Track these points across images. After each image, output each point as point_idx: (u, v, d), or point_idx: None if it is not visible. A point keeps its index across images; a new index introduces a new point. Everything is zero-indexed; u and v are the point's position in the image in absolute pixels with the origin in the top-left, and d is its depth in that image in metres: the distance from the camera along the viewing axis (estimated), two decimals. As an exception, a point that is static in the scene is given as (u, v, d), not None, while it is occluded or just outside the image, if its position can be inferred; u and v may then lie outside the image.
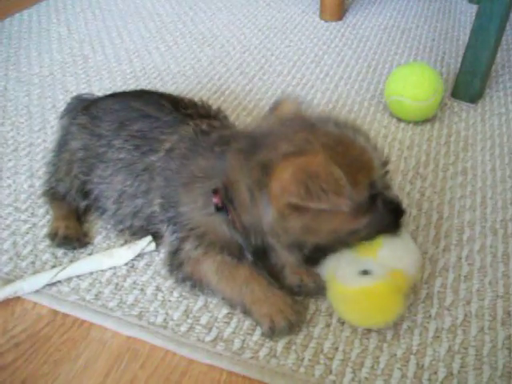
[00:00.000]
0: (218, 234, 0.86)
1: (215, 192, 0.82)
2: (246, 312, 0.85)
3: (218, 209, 0.82)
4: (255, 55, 1.70)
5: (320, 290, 0.87)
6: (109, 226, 1.01)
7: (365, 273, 0.81)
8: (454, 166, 1.23)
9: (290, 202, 0.74)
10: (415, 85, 1.30)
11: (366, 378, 0.78)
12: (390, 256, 0.82)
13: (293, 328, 0.82)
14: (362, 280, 0.80)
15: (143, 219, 0.94)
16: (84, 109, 1.06)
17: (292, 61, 1.67)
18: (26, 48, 1.71)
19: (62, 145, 1.05)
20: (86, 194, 1.01)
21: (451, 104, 1.46)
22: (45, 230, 1.01)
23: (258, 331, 0.84)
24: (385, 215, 0.81)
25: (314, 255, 0.84)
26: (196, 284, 0.88)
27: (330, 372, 0.78)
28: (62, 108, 1.33)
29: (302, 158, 0.74)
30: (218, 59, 1.67)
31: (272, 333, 0.81)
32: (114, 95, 1.12)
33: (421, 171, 1.20)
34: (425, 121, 1.37)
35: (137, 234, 0.97)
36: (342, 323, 0.86)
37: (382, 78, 1.57)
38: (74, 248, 0.97)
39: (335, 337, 0.83)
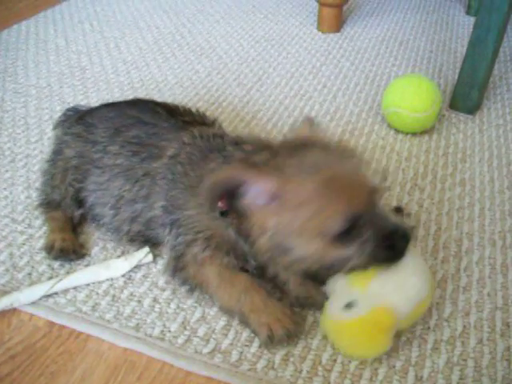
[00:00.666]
0: (224, 238, 0.85)
1: (221, 196, 0.80)
2: (244, 321, 0.84)
3: (222, 213, 0.80)
4: (253, 67, 1.70)
5: None
6: (106, 237, 1.01)
7: (349, 305, 0.77)
8: (452, 177, 1.23)
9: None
10: (413, 96, 1.30)
11: (364, 390, 0.77)
12: (379, 290, 0.77)
13: (291, 337, 0.82)
14: (342, 313, 0.77)
15: (142, 224, 0.94)
16: (79, 118, 1.06)
17: (290, 72, 1.68)
18: (23, 59, 1.71)
19: (56, 153, 1.05)
20: (81, 202, 1.01)
21: (449, 115, 1.47)
22: (41, 242, 1.00)
23: (256, 343, 0.83)
24: (377, 245, 0.77)
25: (313, 276, 0.83)
26: (196, 288, 0.88)
27: (329, 384, 0.78)
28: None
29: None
30: (216, 71, 1.67)
31: (270, 342, 0.81)
32: (108, 104, 1.12)
33: (419, 182, 1.20)
34: (423, 132, 1.37)
35: (134, 240, 0.97)
36: (341, 335, 0.85)
37: (380, 90, 1.57)
38: (71, 260, 0.96)
39: (334, 349, 0.83)
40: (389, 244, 0.77)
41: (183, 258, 0.87)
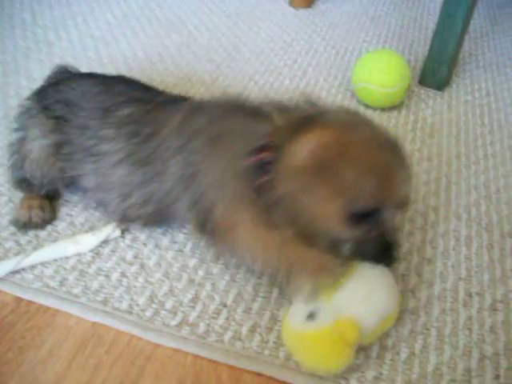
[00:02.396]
0: (247, 194, 0.79)
1: (260, 149, 0.75)
2: (285, 274, 0.78)
3: (253, 169, 0.76)
4: (223, 42, 1.69)
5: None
6: (73, 213, 1.00)
7: (311, 316, 0.74)
8: (420, 151, 1.24)
9: None
10: (382, 71, 1.30)
11: (330, 360, 0.79)
12: (344, 301, 0.74)
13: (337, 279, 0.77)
14: (303, 324, 0.74)
15: (155, 203, 0.88)
16: (55, 88, 0.98)
17: (260, 48, 1.67)
18: (-12, 34, 1.68)
19: (27, 131, 0.96)
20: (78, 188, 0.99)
21: (418, 91, 1.48)
22: (7, 219, 0.99)
23: (223, 314, 0.84)
24: (373, 245, 0.76)
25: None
26: (226, 249, 0.84)
27: (295, 354, 0.79)
28: (26, 94, 1.31)
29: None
30: (185, 46, 1.65)
31: (314, 294, 0.76)
32: (89, 75, 1.04)
33: (387, 157, 1.21)
34: (392, 107, 1.38)
35: (147, 222, 0.94)
36: (307, 306, 0.86)
37: (350, 66, 1.57)
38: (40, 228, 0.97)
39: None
40: (384, 250, 0.77)
41: (209, 204, 0.81)
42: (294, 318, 0.76)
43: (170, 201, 0.87)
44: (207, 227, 0.82)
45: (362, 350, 0.80)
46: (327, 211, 0.74)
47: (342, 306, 0.74)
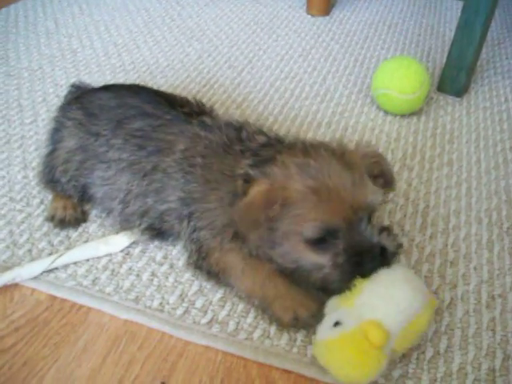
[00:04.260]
0: (241, 239, 0.87)
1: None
2: (266, 306, 0.85)
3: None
4: (243, 49, 1.72)
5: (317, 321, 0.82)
6: (103, 215, 1.03)
7: (337, 324, 0.75)
8: (440, 157, 1.26)
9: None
10: (402, 78, 1.33)
11: (357, 358, 0.80)
12: (366, 304, 0.75)
13: (315, 318, 0.82)
14: (329, 332, 0.75)
15: (154, 218, 0.94)
16: (77, 101, 1.05)
17: (280, 55, 1.69)
18: (13, 42, 1.71)
19: (56, 139, 1.04)
20: (89, 198, 1.03)
21: (437, 98, 1.50)
22: (40, 220, 1.03)
23: (252, 313, 0.86)
24: (346, 259, 0.79)
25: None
26: (218, 274, 0.89)
27: (323, 352, 0.81)
28: (53, 101, 1.36)
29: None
30: (207, 53, 1.69)
31: (296, 324, 0.83)
32: (107, 88, 1.11)
33: (407, 162, 1.23)
34: (411, 114, 1.40)
35: (146, 233, 0.96)
36: (334, 306, 0.88)
37: (369, 72, 1.60)
38: (72, 228, 1.02)
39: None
40: (357, 260, 0.79)
41: (205, 247, 0.89)
42: (322, 329, 0.77)
43: (166, 224, 0.94)
44: (203, 267, 0.90)
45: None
46: (290, 247, 0.81)
47: (363, 309, 0.75)
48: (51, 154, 1.04)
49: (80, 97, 1.07)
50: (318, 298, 0.84)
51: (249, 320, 0.86)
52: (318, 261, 0.80)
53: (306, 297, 0.84)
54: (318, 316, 0.81)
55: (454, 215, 1.09)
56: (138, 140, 0.95)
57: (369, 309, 0.75)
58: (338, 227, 0.78)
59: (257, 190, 0.79)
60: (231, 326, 0.84)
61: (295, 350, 0.81)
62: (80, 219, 1.03)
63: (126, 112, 0.99)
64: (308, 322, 0.83)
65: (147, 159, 0.93)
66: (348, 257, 0.78)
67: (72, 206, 1.03)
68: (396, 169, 1.21)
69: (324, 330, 0.76)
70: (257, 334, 0.84)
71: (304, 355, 0.81)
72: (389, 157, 1.24)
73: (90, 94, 1.08)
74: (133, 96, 1.02)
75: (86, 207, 1.06)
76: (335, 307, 0.78)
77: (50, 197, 1.07)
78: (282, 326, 0.84)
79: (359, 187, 0.79)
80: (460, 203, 1.12)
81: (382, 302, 0.75)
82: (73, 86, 1.16)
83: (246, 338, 0.83)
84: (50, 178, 1.04)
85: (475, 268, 0.97)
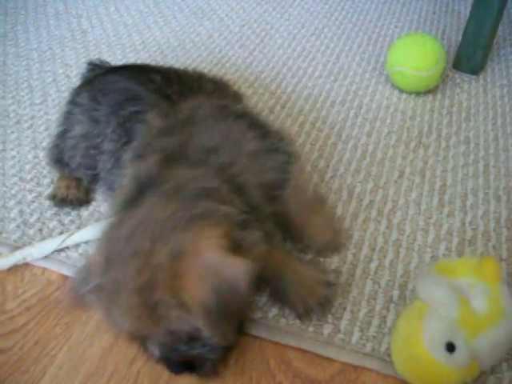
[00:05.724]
0: None
1: None
2: (280, 294, 0.82)
3: None
4: (255, 28, 1.69)
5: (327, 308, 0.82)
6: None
7: (450, 346, 0.69)
8: (457, 135, 1.23)
9: None
10: (417, 55, 1.30)
11: (373, 337, 0.79)
12: (483, 351, 0.69)
13: (328, 303, 0.81)
14: (444, 356, 0.69)
15: None
16: (87, 84, 1.03)
17: (292, 34, 1.67)
18: (23, 24, 1.70)
19: (66, 124, 1.00)
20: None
21: (453, 76, 1.46)
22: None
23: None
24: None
25: None
26: None
27: (339, 331, 0.80)
28: (63, 82, 1.35)
29: None
30: (218, 33, 1.66)
31: (307, 314, 0.81)
32: (116, 70, 1.05)
33: (423, 140, 1.21)
34: (426, 92, 1.37)
35: None
36: (350, 285, 0.87)
37: (383, 51, 1.57)
38: (74, 208, 1.00)
39: (343, 298, 0.85)
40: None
41: None
42: (432, 343, 0.69)
43: None
44: None
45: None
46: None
47: (479, 354, 0.69)
48: (61, 136, 1.01)
49: (91, 80, 1.04)
50: (330, 277, 0.84)
51: (264, 299, 0.84)
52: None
53: (317, 281, 0.82)
54: (327, 302, 0.81)
55: (471, 193, 1.06)
56: (119, 129, 0.88)
57: (482, 357, 0.70)
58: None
59: None
60: (245, 304, 0.83)
61: (311, 329, 0.80)
62: (82, 200, 1.01)
63: (120, 97, 0.92)
64: (318, 312, 0.81)
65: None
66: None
67: (76, 186, 1.01)
68: (412, 147, 1.18)
69: (435, 346, 0.69)
70: (272, 313, 0.82)
71: (320, 334, 0.79)
72: (404, 135, 1.22)
73: (100, 76, 1.04)
74: (133, 78, 0.95)
75: (96, 187, 1.04)
76: (450, 321, 0.70)
77: (56, 177, 1.06)
78: (298, 317, 0.81)
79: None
80: (478, 181, 1.10)
81: (492, 355, 0.71)
82: (90, 64, 1.14)
83: (261, 317, 0.81)
84: (58, 159, 1.02)
85: (494, 246, 0.95)
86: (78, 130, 0.97)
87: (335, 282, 0.84)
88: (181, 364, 0.68)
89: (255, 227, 0.70)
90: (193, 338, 0.66)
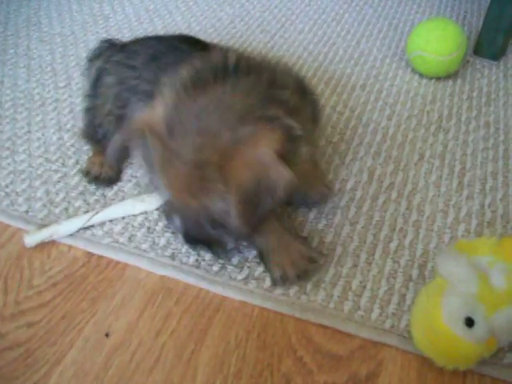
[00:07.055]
0: None
1: None
2: (262, 258, 0.86)
3: None
4: (275, 14, 1.70)
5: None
6: (138, 175, 1.04)
7: (469, 321, 0.69)
8: (477, 119, 1.24)
9: None
10: (438, 39, 1.29)
11: (393, 314, 0.80)
12: (501, 327, 0.70)
13: (306, 277, 0.84)
14: (463, 330, 0.69)
15: None
16: (122, 47, 1.05)
17: (313, 19, 1.67)
18: (45, 9, 1.71)
19: (95, 82, 1.03)
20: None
21: (473, 61, 1.46)
22: (76, 179, 1.04)
23: (288, 271, 0.86)
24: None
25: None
26: None
27: (359, 308, 0.81)
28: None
29: None
30: (239, 18, 1.67)
31: (282, 282, 0.83)
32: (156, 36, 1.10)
33: (443, 124, 1.21)
34: (447, 77, 1.37)
35: None
36: (370, 263, 0.88)
37: (403, 36, 1.56)
38: (106, 186, 1.02)
39: (363, 276, 0.86)
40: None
41: None
42: (451, 317, 0.70)
43: None
44: None
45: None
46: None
47: (497, 329, 0.70)
48: (90, 101, 1.04)
49: (125, 44, 1.07)
50: (313, 253, 0.86)
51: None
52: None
53: (299, 254, 0.84)
54: (306, 276, 0.84)
55: (491, 176, 1.07)
56: (161, 73, 0.88)
57: (501, 333, 0.71)
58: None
59: None
60: (267, 282, 0.85)
61: (332, 305, 0.81)
62: (114, 179, 1.03)
63: (162, 48, 0.97)
64: (294, 282, 0.84)
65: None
66: None
67: (109, 164, 1.03)
68: (432, 130, 1.19)
69: (453, 320, 0.70)
70: (293, 290, 0.84)
71: (341, 310, 0.80)
72: (424, 119, 1.23)
73: (136, 39, 1.09)
74: (175, 38, 1.03)
75: (124, 165, 1.06)
76: (470, 295, 0.71)
77: (90, 153, 1.08)
78: (272, 282, 0.84)
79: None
80: (497, 164, 1.10)
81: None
82: (104, 41, 1.16)
83: (283, 294, 0.83)
84: (91, 134, 1.05)
85: (513, 228, 0.96)
86: (110, 79, 1.00)
87: (318, 261, 0.86)
88: (198, 240, 0.80)
89: (305, 146, 0.77)
90: (218, 220, 0.74)
